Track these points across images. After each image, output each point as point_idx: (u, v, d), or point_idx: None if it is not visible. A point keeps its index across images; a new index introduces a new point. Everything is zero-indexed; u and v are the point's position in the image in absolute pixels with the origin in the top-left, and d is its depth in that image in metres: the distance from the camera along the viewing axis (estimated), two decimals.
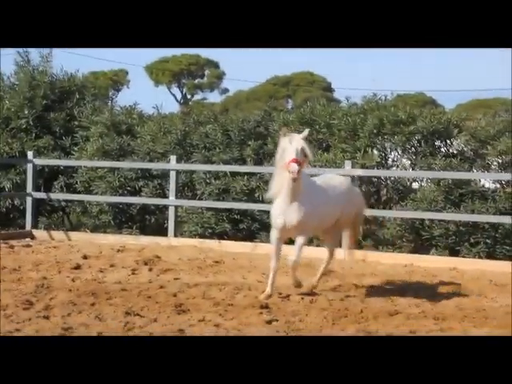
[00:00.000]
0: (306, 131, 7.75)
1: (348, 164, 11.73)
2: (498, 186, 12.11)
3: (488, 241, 11.52)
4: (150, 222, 14.21)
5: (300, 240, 7.78)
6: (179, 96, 55.82)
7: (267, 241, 8.65)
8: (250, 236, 12.87)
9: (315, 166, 12.31)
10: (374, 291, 8.50)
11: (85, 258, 10.59)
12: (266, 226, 12.00)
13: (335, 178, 8.64)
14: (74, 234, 13.40)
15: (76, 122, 15.05)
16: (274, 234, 7.88)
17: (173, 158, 12.95)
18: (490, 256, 11.38)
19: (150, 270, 9.73)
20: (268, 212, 8.98)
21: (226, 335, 6.21)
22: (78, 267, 9.71)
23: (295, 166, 7.31)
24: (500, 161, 12.13)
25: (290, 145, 7.46)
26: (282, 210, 7.66)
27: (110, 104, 17.31)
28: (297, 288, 8.02)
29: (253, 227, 12.92)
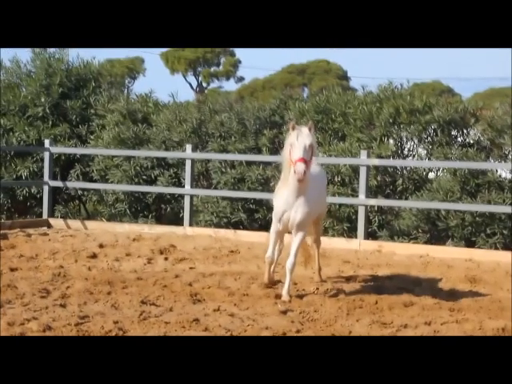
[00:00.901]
0: (310, 123, 7.45)
1: (364, 154, 11.69)
2: None
3: (504, 232, 11.44)
4: (165, 212, 14.25)
5: (298, 240, 7.57)
6: (195, 84, 55.79)
7: None
8: (265, 226, 12.85)
9: (331, 156, 12.30)
10: (389, 282, 8.49)
11: (101, 246, 10.65)
12: None
13: (315, 167, 8.25)
14: (90, 223, 13.47)
15: (92, 110, 15.09)
16: (275, 226, 7.67)
17: (188, 146, 12.96)
18: (507, 247, 11.32)
19: (166, 259, 9.78)
20: None
21: (240, 324, 6.24)
22: (94, 256, 9.78)
23: (302, 167, 7.04)
24: None
25: (297, 141, 7.17)
26: (288, 205, 7.45)
27: (125, 92, 17.30)
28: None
29: (268, 217, 12.89)
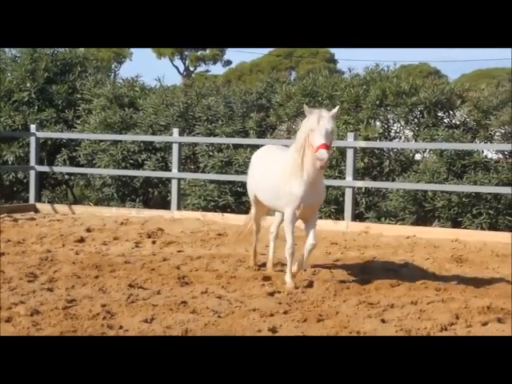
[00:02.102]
0: (337, 109, 7.13)
1: (351, 136, 11.70)
2: (501, 156, 12.10)
3: (490, 212, 11.52)
4: (153, 195, 14.26)
5: (315, 222, 7.41)
6: (182, 68, 55.57)
7: (270, 214, 8.60)
8: None
9: None
10: (376, 263, 8.54)
11: (88, 231, 10.65)
12: None
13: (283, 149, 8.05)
14: (77, 208, 13.45)
15: (78, 95, 15.04)
16: (292, 213, 7.22)
17: (175, 130, 12.94)
18: (493, 227, 11.40)
19: (154, 242, 9.79)
20: None
21: (228, 306, 6.27)
22: (81, 240, 9.77)
23: (324, 154, 6.71)
24: (503, 131, 12.10)
25: (318, 125, 6.81)
26: (308, 191, 7.09)
27: (112, 76, 17.24)
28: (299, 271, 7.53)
29: None
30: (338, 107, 7.26)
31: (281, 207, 7.45)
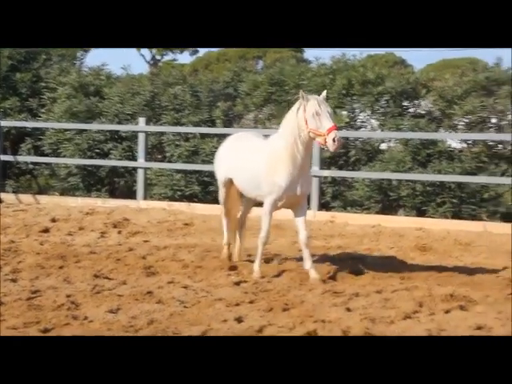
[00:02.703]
0: (324, 92, 6.99)
1: None
2: (465, 145, 12.24)
3: (454, 200, 11.67)
4: (119, 185, 14.16)
5: (306, 212, 7.24)
6: (148, 57, 55.08)
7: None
8: None
9: None
10: (341, 252, 8.59)
11: (53, 221, 10.55)
12: None
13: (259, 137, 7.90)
14: (42, 197, 13.32)
15: (43, 83, 14.86)
16: (273, 203, 7.08)
17: (141, 119, 12.87)
18: (456, 215, 11.54)
19: (119, 232, 9.74)
20: None
21: (195, 296, 6.27)
22: (46, 230, 9.69)
23: (338, 134, 6.61)
24: (467, 120, 12.24)
25: (321, 109, 6.68)
26: (293, 181, 6.94)
27: (77, 65, 17.05)
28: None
29: None
30: (325, 91, 7.10)
31: (261, 196, 7.27)
